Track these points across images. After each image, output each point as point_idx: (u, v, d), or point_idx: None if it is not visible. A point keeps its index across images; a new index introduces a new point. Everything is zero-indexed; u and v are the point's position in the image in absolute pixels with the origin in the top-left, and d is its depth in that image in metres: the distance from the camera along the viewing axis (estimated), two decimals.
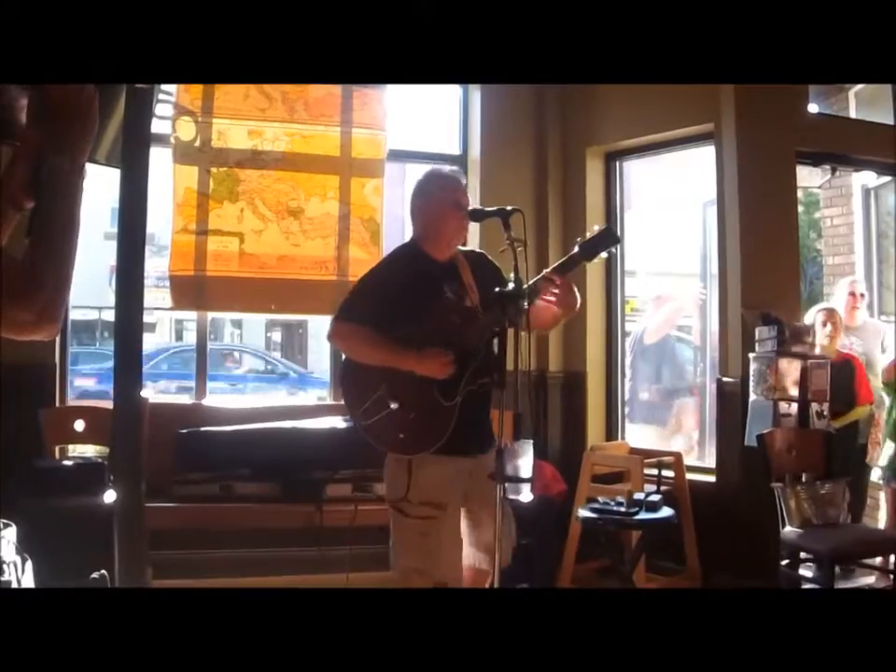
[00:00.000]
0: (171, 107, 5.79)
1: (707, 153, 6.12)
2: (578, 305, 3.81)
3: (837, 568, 4.64)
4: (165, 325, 23.91)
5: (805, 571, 4.85)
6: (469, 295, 3.75)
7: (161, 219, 5.87)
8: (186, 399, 7.21)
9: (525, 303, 3.41)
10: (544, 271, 3.73)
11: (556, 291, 3.67)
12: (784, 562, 4.77)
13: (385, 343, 3.62)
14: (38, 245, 1.79)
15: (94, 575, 2.65)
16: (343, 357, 3.89)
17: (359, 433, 3.78)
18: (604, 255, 3.78)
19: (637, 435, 7.10)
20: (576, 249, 3.72)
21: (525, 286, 3.41)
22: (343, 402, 5.37)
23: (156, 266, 8.00)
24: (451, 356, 3.59)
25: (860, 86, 7.50)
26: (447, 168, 4.06)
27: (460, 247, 3.89)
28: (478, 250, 4.02)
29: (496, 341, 3.48)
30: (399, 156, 6.59)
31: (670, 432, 7.32)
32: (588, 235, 3.74)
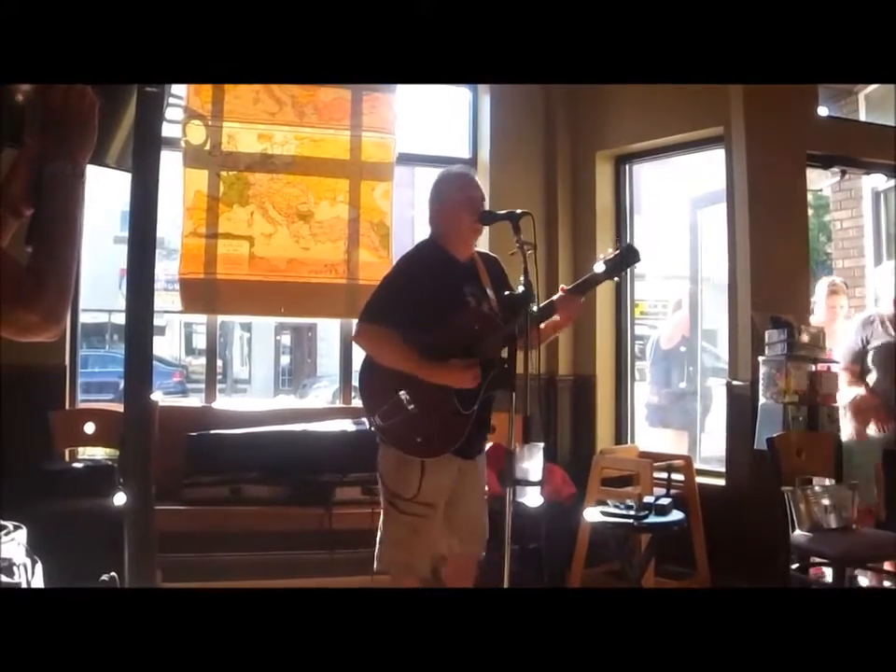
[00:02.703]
0: (181, 111, 5.80)
1: (717, 155, 6.11)
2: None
3: None
4: (175, 328, 23.99)
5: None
6: (488, 300, 3.77)
7: (171, 223, 5.89)
8: (196, 402, 7.22)
9: (535, 307, 3.44)
10: (563, 287, 3.77)
11: (571, 312, 3.73)
12: (794, 566, 4.75)
13: (413, 353, 3.63)
14: (41, 248, 1.80)
15: (104, 577, 2.66)
16: (364, 356, 3.90)
17: (373, 433, 3.80)
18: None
19: (659, 439, 7.19)
20: (601, 268, 3.73)
21: (540, 304, 3.45)
22: (353, 405, 5.37)
23: (166, 269, 8.03)
24: (477, 368, 3.61)
25: (869, 88, 7.49)
26: (457, 167, 4.08)
27: (476, 249, 3.91)
28: (493, 254, 4.03)
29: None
30: (408, 159, 6.60)
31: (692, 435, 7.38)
32: (610, 252, 3.75)
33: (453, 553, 3.83)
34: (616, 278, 3.82)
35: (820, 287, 6.37)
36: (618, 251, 3.75)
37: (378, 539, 3.79)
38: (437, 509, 3.70)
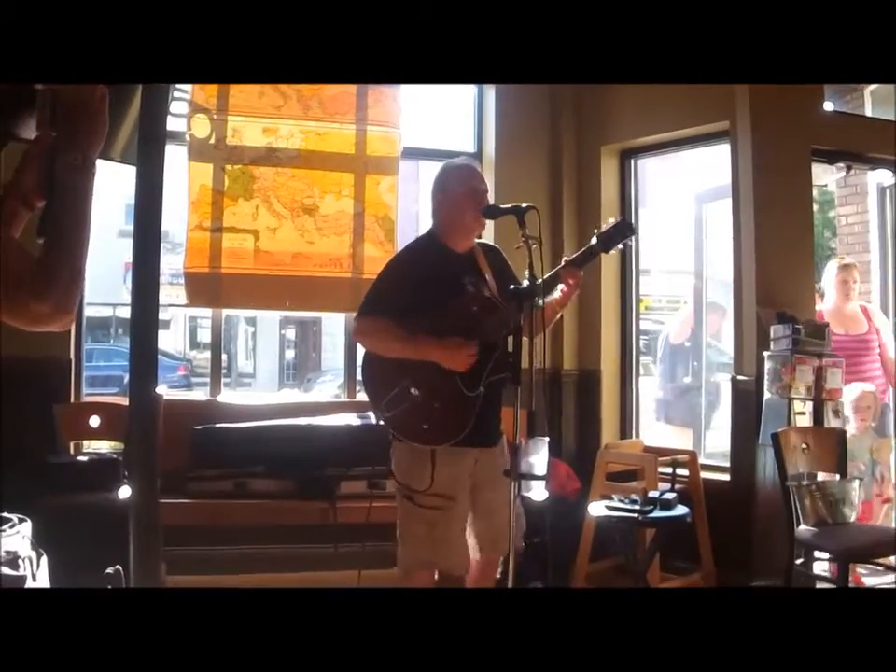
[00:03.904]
0: (186, 105, 5.80)
1: (721, 150, 6.10)
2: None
3: None
4: (180, 322, 23.99)
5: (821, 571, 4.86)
6: (488, 286, 3.76)
7: (175, 217, 5.89)
8: (201, 396, 7.22)
9: (541, 301, 3.44)
10: (564, 259, 3.78)
11: (571, 283, 3.71)
12: (799, 561, 4.75)
13: (408, 336, 3.63)
14: (52, 239, 1.82)
15: (109, 570, 2.66)
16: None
17: (378, 427, 3.80)
18: (619, 246, 3.82)
19: (670, 435, 7.20)
20: (593, 241, 3.77)
21: (541, 280, 3.44)
22: (358, 398, 5.38)
23: (170, 263, 8.02)
24: (474, 346, 3.60)
25: (875, 84, 7.47)
26: (460, 159, 4.08)
27: (477, 240, 3.91)
28: (493, 244, 4.03)
29: (511, 338, 3.50)
30: (413, 153, 6.59)
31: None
32: (604, 227, 3.78)
33: (485, 550, 3.82)
34: (613, 251, 3.83)
35: (829, 270, 6.39)
36: (612, 225, 3.78)
37: (397, 537, 3.78)
38: (456, 501, 3.68)
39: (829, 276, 6.37)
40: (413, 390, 3.64)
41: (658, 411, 7.72)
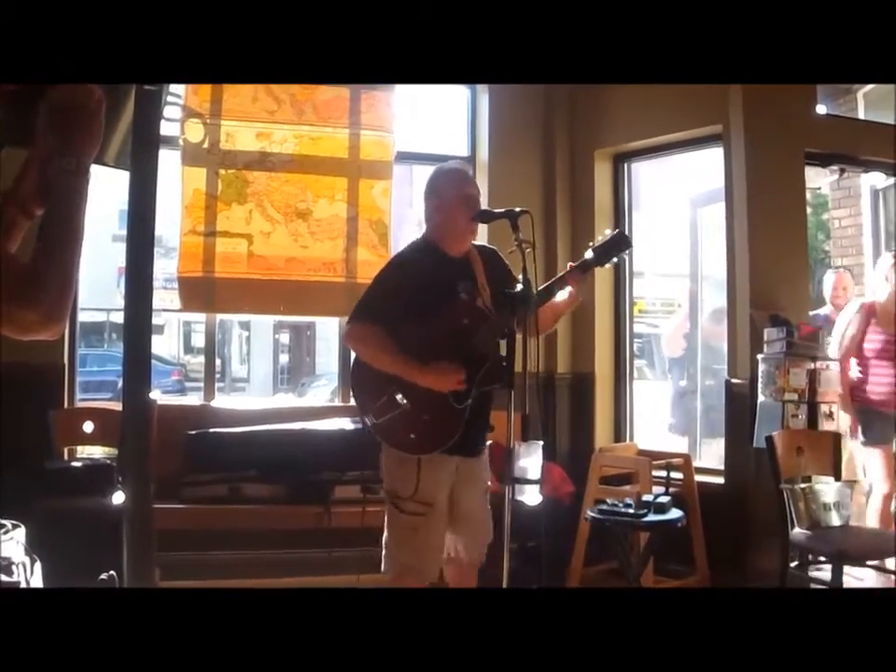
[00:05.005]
0: (179, 109, 5.80)
1: (716, 154, 6.10)
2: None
3: None
4: (174, 326, 23.98)
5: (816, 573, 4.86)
6: (482, 294, 3.75)
7: (169, 221, 5.88)
8: (194, 401, 7.21)
9: (534, 305, 3.43)
10: (570, 265, 3.77)
11: (576, 287, 3.71)
12: (793, 564, 4.75)
13: (399, 355, 3.62)
14: (43, 245, 1.79)
15: (103, 576, 2.66)
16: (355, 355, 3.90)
17: (368, 432, 3.79)
18: (615, 259, 3.81)
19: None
20: (589, 254, 3.75)
21: (536, 289, 3.44)
22: (351, 403, 5.37)
23: (164, 268, 8.02)
24: (462, 371, 3.59)
25: (868, 87, 7.49)
26: (452, 163, 4.06)
27: (474, 243, 3.90)
28: (491, 246, 4.01)
29: (504, 342, 3.49)
30: (407, 158, 6.59)
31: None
32: (600, 240, 3.77)
33: (455, 554, 3.82)
34: (608, 264, 3.82)
35: (883, 260, 6.27)
36: (608, 237, 3.77)
37: (383, 541, 3.78)
38: (436, 507, 3.68)
39: (882, 266, 6.17)
40: (401, 399, 3.64)
41: (657, 414, 7.73)
